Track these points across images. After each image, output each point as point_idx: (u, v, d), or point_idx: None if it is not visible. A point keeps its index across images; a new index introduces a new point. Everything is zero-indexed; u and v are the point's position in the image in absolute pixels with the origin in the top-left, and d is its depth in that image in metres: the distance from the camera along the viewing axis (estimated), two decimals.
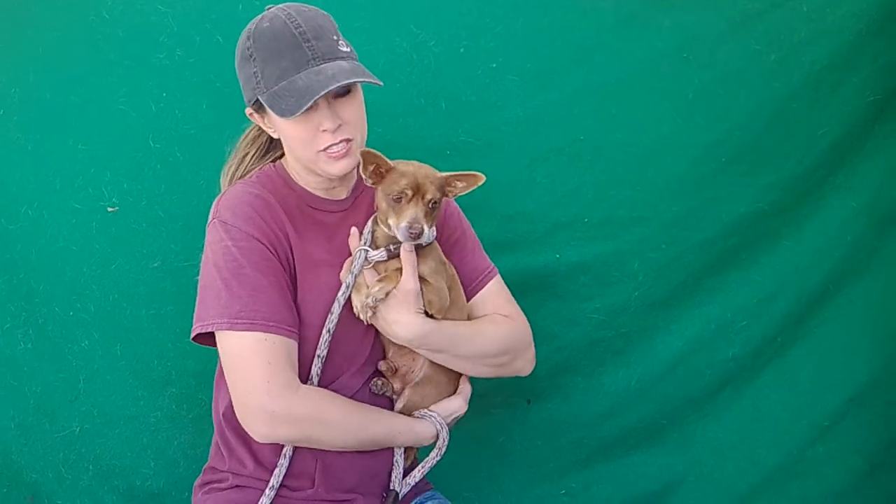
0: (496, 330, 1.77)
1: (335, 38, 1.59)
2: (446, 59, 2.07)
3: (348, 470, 1.68)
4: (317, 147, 1.59)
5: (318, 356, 1.62)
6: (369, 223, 1.69)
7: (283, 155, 1.75)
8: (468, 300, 1.80)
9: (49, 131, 2.03)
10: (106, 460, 2.10)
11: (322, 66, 1.54)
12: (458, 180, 1.62)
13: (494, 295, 1.82)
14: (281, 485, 1.64)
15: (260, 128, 1.72)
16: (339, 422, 1.60)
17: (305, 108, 1.50)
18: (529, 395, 2.22)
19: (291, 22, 1.55)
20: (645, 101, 2.10)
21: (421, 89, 2.08)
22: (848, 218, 2.15)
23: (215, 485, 1.70)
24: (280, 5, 1.61)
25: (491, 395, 2.16)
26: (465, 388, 1.79)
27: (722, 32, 2.07)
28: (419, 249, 1.64)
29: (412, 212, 1.56)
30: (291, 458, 1.64)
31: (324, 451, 1.64)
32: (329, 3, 1.93)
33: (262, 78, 1.56)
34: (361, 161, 1.59)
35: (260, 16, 1.60)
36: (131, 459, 2.10)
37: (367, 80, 1.55)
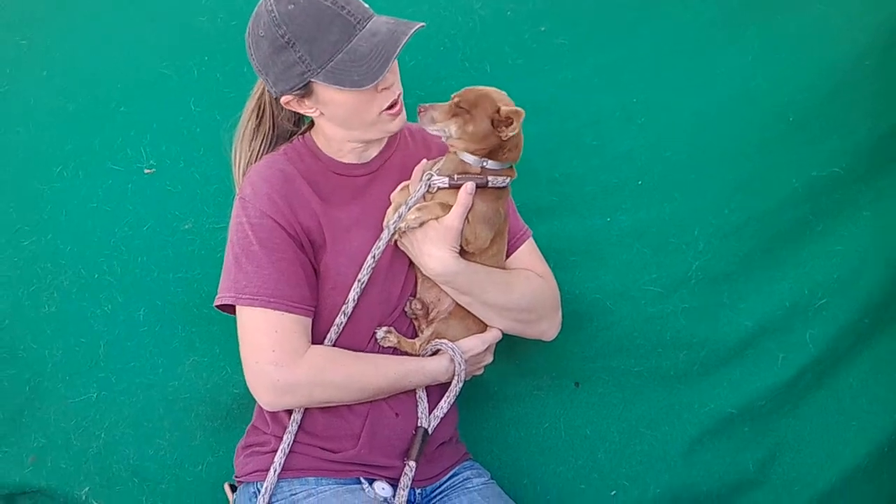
0: (527, 284, 1.76)
1: None
2: (492, 23, 2.03)
3: (399, 435, 1.70)
4: (378, 109, 1.60)
5: (344, 311, 1.65)
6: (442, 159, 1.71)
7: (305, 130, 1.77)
8: None
9: (90, 94, 2.04)
10: (119, 429, 1.99)
11: (367, 26, 1.55)
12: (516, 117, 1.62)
13: (527, 255, 1.82)
14: (320, 447, 1.69)
15: (255, 122, 1.74)
16: (342, 381, 1.64)
17: (387, 70, 1.51)
18: (578, 378, 2.03)
19: None
20: (701, 64, 2.00)
21: (466, 53, 2.03)
22: None
23: (257, 448, 1.73)
24: None
25: (536, 374, 2.01)
26: (491, 333, 1.76)
27: None
28: (479, 191, 1.65)
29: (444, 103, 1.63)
30: (336, 418, 1.69)
31: (373, 413, 1.69)
32: None
33: (311, 60, 1.53)
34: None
35: (268, 2, 1.56)
36: (146, 429, 1.99)
37: (417, 28, 1.57)
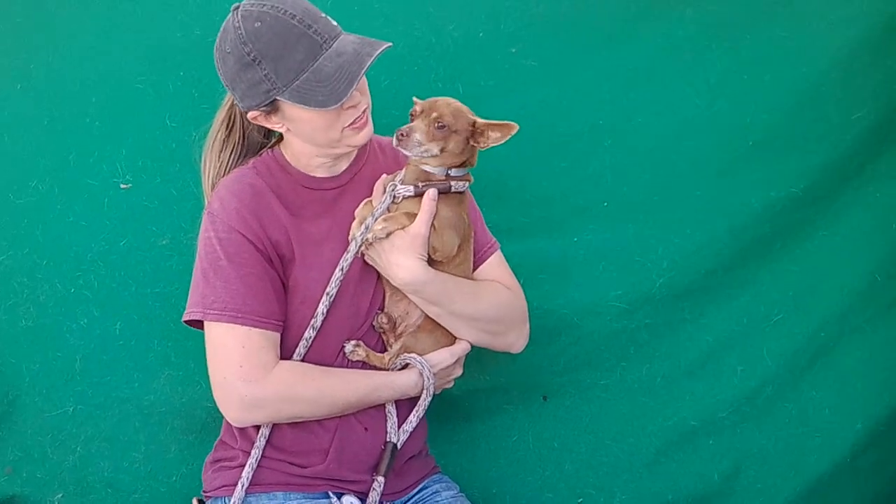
0: (495, 295, 1.77)
1: (323, 15, 1.57)
2: (465, 44, 2.06)
3: (368, 449, 1.69)
4: (342, 125, 1.60)
5: (313, 325, 1.65)
6: (402, 170, 1.72)
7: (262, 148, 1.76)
8: None
9: (66, 107, 2.03)
10: (95, 443, 2.01)
11: (333, 45, 1.54)
12: (491, 129, 1.65)
13: (495, 267, 1.82)
14: (289, 462, 1.68)
15: (225, 133, 1.73)
16: (311, 396, 1.63)
17: (351, 91, 1.51)
18: (545, 391, 2.08)
19: (283, 14, 1.52)
20: (666, 86, 2.05)
21: (439, 73, 2.06)
22: (893, 207, 2.04)
23: (225, 463, 1.72)
24: (249, 2, 1.55)
25: (504, 389, 2.05)
26: (460, 345, 1.76)
27: (745, 20, 2.04)
28: (443, 197, 1.65)
29: (415, 123, 1.62)
30: (304, 433, 1.68)
31: (342, 428, 1.68)
32: None
33: (276, 78, 1.53)
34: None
35: (236, 18, 1.54)
36: (122, 443, 2.01)
37: (384, 48, 1.56)
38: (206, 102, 2.01)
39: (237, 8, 1.56)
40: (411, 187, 1.65)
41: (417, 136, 1.61)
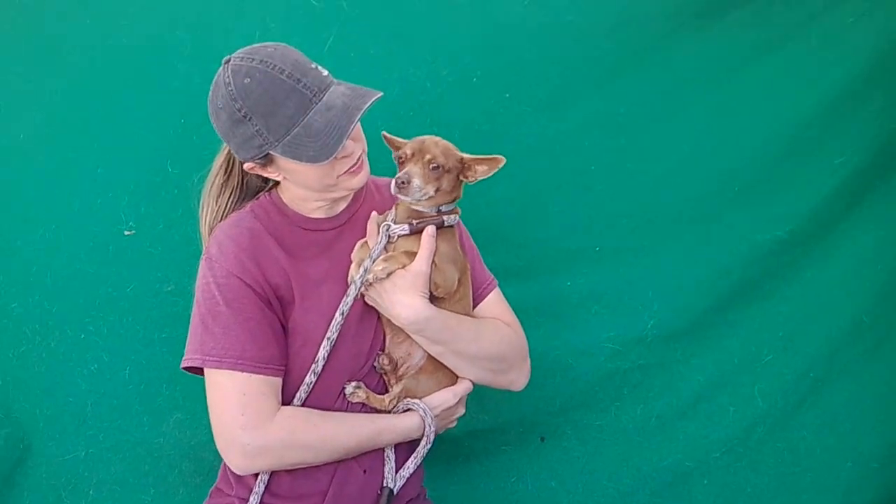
0: (497, 333, 1.77)
1: (313, 66, 1.58)
2: (460, 89, 2.10)
3: (365, 492, 1.69)
4: (337, 173, 1.62)
5: (313, 371, 1.64)
6: (392, 209, 1.72)
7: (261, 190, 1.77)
8: None
9: (70, 155, 2.07)
10: (107, 486, 2.07)
11: (323, 98, 1.55)
12: (477, 163, 1.67)
13: (494, 305, 1.82)
14: None
15: (224, 177, 1.75)
16: (314, 441, 1.62)
17: (340, 146, 1.52)
18: (542, 432, 2.13)
19: (272, 69, 1.53)
20: (655, 131, 2.10)
21: (435, 118, 2.10)
22: (878, 249, 2.08)
23: None
24: (239, 56, 1.57)
25: (503, 430, 2.09)
26: (462, 385, 1.76)
27: (732, 65, 2.07)
28: (439, 232, 1.66)
29: (406, 168, 1.63)
30: (302, 478, 1.67)
31: (340, 470, 1.67)
32: (345, 33, 2.04)
33: (267, 133, 1.54)
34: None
35: (226, 73, 1.55)
36: (132, 486, 2.07)
37: (374, 100, 1.56)
38: (207, 149, 2.02)
39: (227, 62, 1.57)
40: (406, 226, 1.66)
41: (416, 181, 1.62)
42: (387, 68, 2.08)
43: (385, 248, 1.66)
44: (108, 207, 2.07)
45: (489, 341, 1.74)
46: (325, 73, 1.59)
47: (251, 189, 1.78)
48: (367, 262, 1.64)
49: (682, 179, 2.09)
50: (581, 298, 2.10)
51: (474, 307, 1.80)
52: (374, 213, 1.73)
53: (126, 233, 2.08)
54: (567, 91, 2.10)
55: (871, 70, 2.03)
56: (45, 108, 2.07)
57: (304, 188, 1.67)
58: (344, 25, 2.05)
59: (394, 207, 1.72)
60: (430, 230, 1.65)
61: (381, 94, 1.58)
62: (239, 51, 1.59)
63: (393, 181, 1.62)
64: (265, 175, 1.68)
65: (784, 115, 2.06)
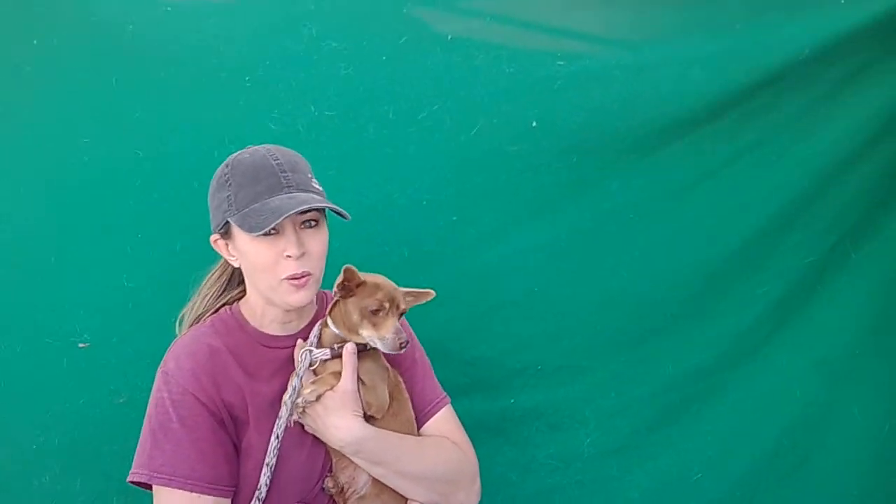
0: (443, 452, 1.75)
1: (309, 175, 1.67)
2: (410, 211, 2.18)
3: None
4: (280, 274, 1.62)
5: (258, 497, 1.62)
6: (316, 328, 1.73)
7: (239, 296, 1.80)
8: (419, 428, 1.79)
9: (24, 267, 2.09)
10: None
11: (295, 193, 1.61)
12: (410, 296, 1.73)
13: (444, 422, 1.81)
14: None
15: (221, 269, 1.79)
16: None
17: (275, 223, 1.54)
18: None
19: (270, 155, 1.65)
20: (593, 257, 2.20)
21: (385, 238, 2.18)
22: (798, 375, 2.21)
23: None
24: (262, 145, 1.70)
25: None
26: None
27: (665, 197, 2.19)
28: (361, 352, 1.68)
29: (392, 323, 1.65)
30: None
31: None
32: (301, 153, 2.11)
33: (234, 201, 1.61)
34: (341, 274, 1.65)
35: (242, 151, 1.69)
36: None
37: (334, 207, 1.63)
38: (162, 265, 2.12)
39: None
40: (328, 350, 1.67)
41: (402, 333, 1.64)
42: (341, 190, 2.11)
43: (315, 373, 1.67)
44: (63, 320, 2.10)
45: (433, 460, 1.71)
46: (319, 188, 1.67)
47: (232, 285, 1.81)
48: (294, 381, 1.64)
49: (619, 303, 2.20)
50: (523, 415, 2.19)
51: (423, 424, 1.79)
52: (299, 341, 1.73)
53: (80, 345, 2.11)
54: (511, 217, 2.20)
55: (787, 209, 2.17)
56: (4, 220, 2.08)
57: (251, 280, 1.69)
58: (302, 149, 2.12)
59: (319, 332, 1.72)
60: (349, 347, 1.66)
61: (347, 215, 1.63)
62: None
63: (398, 343, 1.63)
64: (225, 256, 1.71)
65: (711, 248, 2.18)
